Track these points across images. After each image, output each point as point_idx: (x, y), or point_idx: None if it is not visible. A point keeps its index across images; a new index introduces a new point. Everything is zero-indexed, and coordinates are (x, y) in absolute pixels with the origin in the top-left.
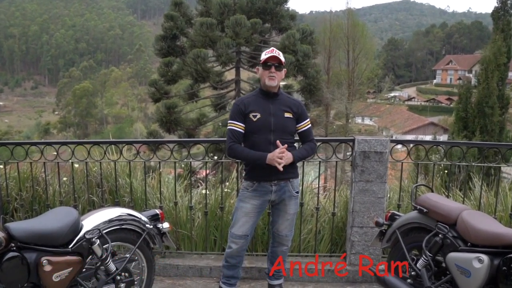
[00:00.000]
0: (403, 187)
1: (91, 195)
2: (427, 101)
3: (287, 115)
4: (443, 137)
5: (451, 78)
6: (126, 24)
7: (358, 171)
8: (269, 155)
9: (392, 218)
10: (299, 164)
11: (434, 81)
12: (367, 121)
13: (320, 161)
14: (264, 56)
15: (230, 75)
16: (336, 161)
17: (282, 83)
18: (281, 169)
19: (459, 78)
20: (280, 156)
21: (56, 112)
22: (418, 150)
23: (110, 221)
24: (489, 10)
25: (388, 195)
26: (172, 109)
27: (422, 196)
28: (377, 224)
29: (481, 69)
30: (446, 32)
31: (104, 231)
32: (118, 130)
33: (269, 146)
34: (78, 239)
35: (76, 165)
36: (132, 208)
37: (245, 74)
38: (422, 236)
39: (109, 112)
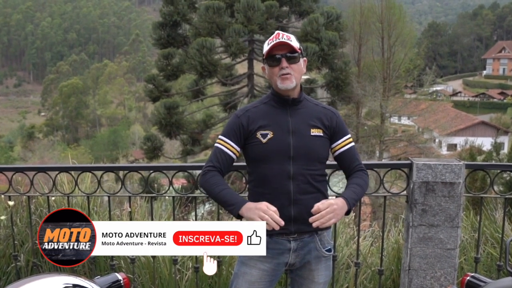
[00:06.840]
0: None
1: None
2: (475, 96)
3: (315, 132)
4: (501, 139)
5: (504, 69)
6: (122, 11)
7: (417, 210)
8: (248, 204)
9: (471, 285)
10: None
11: (484, 72)
12: (404, 121)
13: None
14: (266, 47)
15: (241, 68)
16: (385, 196)
17: (304, 77)
18: (277, 227)
19: None
20: (270, 212)
21: (42, 113)
22: (476, 174)
23: None
24: None
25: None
26: (172, 109)
27: None
28: None
29: None
30: (497, 14)
31: None
32: (112, 133)
33: (287, 183)
34: None
35: (11, 203)
36: (89, 271)
37: (259, 67)
38: None
39: (102, 113)
